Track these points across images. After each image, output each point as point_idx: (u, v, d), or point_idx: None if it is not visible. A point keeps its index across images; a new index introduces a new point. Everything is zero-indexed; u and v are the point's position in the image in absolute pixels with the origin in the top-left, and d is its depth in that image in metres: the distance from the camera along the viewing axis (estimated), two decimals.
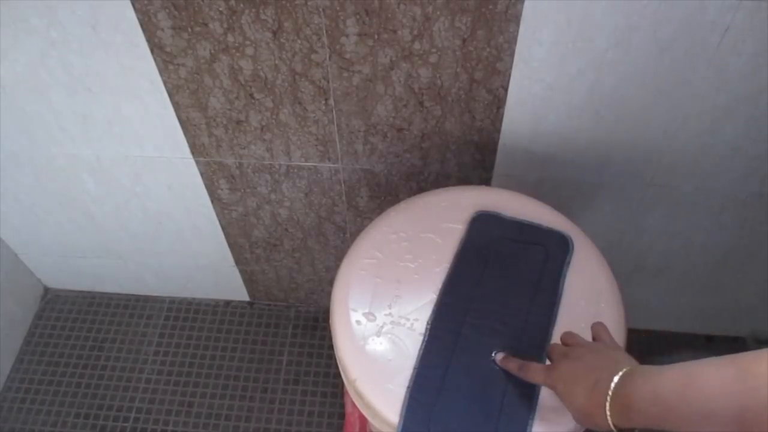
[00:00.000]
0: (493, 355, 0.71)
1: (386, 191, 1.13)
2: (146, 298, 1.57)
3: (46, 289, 1.60)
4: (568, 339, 0.68)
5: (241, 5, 0.82)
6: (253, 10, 0.83)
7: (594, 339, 0.67)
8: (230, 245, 1.34)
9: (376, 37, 0.85)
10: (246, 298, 1.55)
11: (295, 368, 1.46)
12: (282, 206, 1.20)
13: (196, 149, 1.08)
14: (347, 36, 0.85)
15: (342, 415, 1.38)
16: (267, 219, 1.24)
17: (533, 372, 0.66)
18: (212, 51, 0.89)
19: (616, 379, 0.55)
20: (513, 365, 0.69)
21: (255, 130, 1.02)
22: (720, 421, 0.47)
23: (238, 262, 1.40)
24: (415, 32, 0.84)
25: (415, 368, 0.71)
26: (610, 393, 0.55)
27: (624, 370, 0.56)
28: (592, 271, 0.80)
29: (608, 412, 0.55)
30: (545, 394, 0.68)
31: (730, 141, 0.95)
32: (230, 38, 0.87)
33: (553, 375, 0.62)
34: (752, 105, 0.89)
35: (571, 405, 0.60)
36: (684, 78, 0.86)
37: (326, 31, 0.84)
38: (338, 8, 0.81)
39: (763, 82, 0.85)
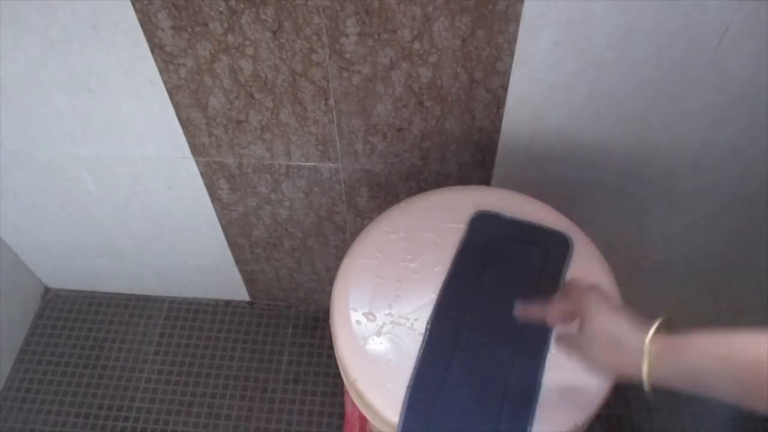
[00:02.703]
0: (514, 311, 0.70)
1: (386, 191, 1.13)
2: (146, 298, 1.57)
3: (47, 289, 1.60)
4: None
5: (241, 5, 0.82)
6: (253, 10, 0.83)
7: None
8: (230, 245, 1.34)
9: (376, 37, 0.85)
10: (246, 298, 1.55)
11: (295, 368, 1.46)
12: (282, 206, 1.20)
13: (196, 149, 1.08)
14: (347, 36, 0.85)
15: (342, 415, 1.38)
16: (267, 219, 1.24)
17: (560, 307, 0.64)
18: (212, 51, 0.89)
19: (655, 324, 0.55)
20: (536, 310, 0.67)
21: (255, 130, 1.02)
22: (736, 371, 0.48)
23: (238, 262, 1.40)
24: (415, 32, 0.84)
25: (415, 368, 0.71)
26: (649, 334, 0.55)
27: (660, 319, 0.56)
28: (591, 272, 0.80)
29: (647, 355, 0.54)
30: (545, 394, 0.68)
31: (730, 141, 0.95)
32: (230, 38, 0.87)
33: (589, 298, 0.61)
34: (752, 105, 0.89)
35: (601, 358, 0.58)
36: (684, 78, 0.86)
37: (326, 31, 0.84)
38: (338, 8, 0.81)
39: (763, 82, 0.85)
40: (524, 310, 0.69)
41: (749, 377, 0.49)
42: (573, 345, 0.62)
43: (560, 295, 0.66)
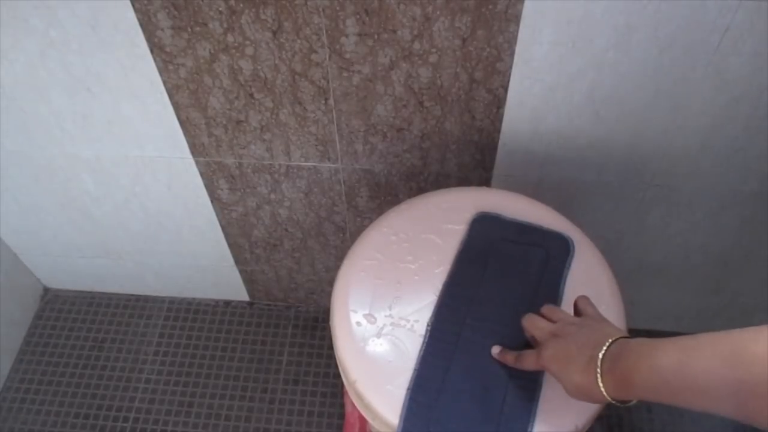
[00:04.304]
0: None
1: (386, 191, 1.13)
2: (146, 298, 1.57)
3: (46, 289, 1.60)
4: (552, 314, 0.68)
5: (241, 5, 0.82)
6: (253, 10, 0.83)
7: (580, 314, 0.68)
8: (230, 245, 1.34)
9: (376, 37, 0.85)
10: (246, 298, 1.55)
11: (295, 368, 1.46)
12: (282, 206, 1.20)
13: (195, 149, 1.08)
14: (347, 36, 0.85)
15: (342, 415, 1.38)
16: (267, 219, 1.24)
17: (527, 359, 0.66)
18: (212, 51, 0.89)
19: (601, 353, 0.57)
20: (510, 358, 0.69)
21: (255, 130, 1.02)
22: (716, 396, 0.48)
23: (238, 262, 1.40)
24: (415, 32, 0.84)
25: (415, 369, 0.71)
26: (598, 369, 0.57)
27: (609, 342, 0.58)
28: (592, 273, 0.79)
29: (601, 387, 0.56)
30: (546, 396, 0.68)
31: (730, 141, 0.95)
32: (230, 38, 0.87)
33: (545, 356, 0.63)
34: (752, 105, 0.89)
35: (568, 383, 0.61)
36: (684, 78, 0.86)
37: (326, 31, 0.84)
38: (338, 8, 0.81)
39: (763, 82, 0.85)
40: (501, 355, 0.70)
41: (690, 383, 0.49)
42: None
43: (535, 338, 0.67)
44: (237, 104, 0.98)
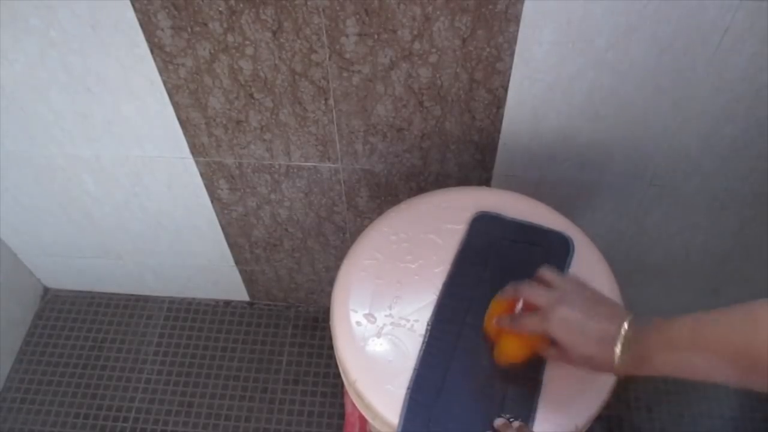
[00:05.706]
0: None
1: (386, 191, 1.13)
2: (146, 298, 1.57)
3: (46, 289, 1.60)
4: (546, 275, 0.68)
5: (241, 5, 0.82)
6: (253, 10, 0.83)
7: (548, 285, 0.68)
8: (230, 245, 1.34)
9: (376, 37, 0.85)
10: (246, 298, 1.55)
11: (295, 368, 1.46)
12: (282, 206, 1.20)
13: (195, 149, 1.08)
14: (347, 36, 0.85)
15: (342, 415, 1.38)
16: (267, 219, 1.24)
17: (528, 321, 0.66)
18: (212, 51, 0.89)
19: (623, 330, 0.58)
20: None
21: (255, 130, 1.02)
22: (728, 356, 0.51)
23: (237, 262, 1.40)
24: (415, 32, 0.84)
25: (415, 369, 0.71)
26: (618, 346, 0.58)
27: (628, 319, 0.59)
28: (592, 273, 0.79)
29: (616, 362, 0.58)
30: (546, 396, 0.68)
31: (730, 141, 0.95)
32: (230, 38, 0.87)
33: (553, 319, 0.63)
34: (752, 105, 0.89)
35: (576, 353, 0.62)
36: (684, 78, 0.86)
37: (326, 31, 0.84)
38: (338, 8, 0.81)
39: (763, 82, 0.85)
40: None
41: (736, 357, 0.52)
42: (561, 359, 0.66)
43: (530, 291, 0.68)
44: (237, 104, 0.98)
